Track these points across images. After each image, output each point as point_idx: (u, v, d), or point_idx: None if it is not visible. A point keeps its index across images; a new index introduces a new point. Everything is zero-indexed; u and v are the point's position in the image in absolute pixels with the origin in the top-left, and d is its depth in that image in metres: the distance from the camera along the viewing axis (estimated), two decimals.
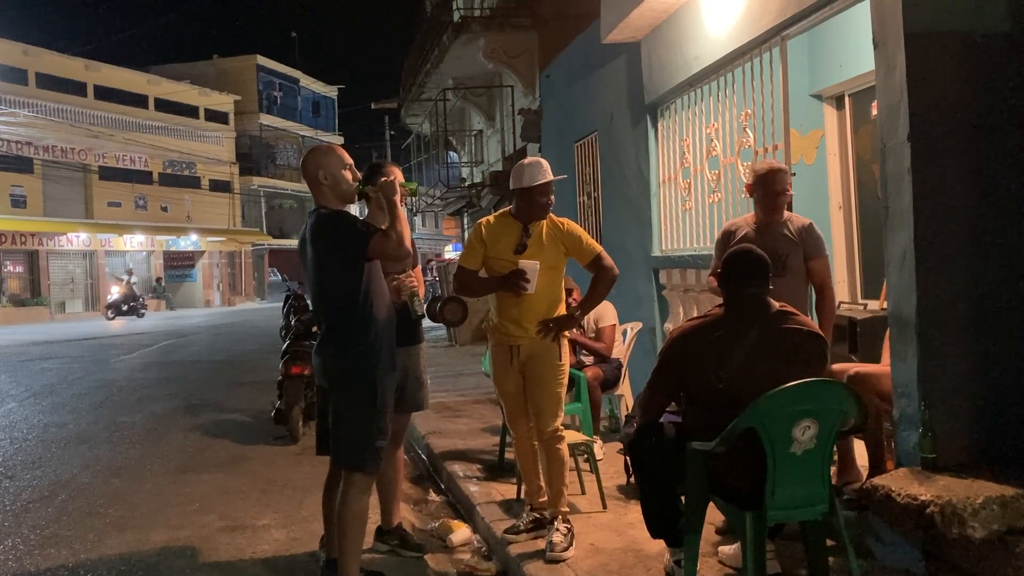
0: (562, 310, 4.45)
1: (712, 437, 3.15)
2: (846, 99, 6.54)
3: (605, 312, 6.39)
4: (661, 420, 3.52)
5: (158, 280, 38.78)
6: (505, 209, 4.55)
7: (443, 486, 6.02)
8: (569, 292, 5.95)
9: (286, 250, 44.21)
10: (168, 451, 7.54)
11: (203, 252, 40.66)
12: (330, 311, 3.69)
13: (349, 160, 3.81)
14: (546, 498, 4.44)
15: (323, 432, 3.87)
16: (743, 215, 4.86)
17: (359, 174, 3.88)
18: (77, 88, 34.47)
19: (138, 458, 7.29)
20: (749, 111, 5.69)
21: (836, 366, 4.07)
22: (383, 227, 3.62)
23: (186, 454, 7.39)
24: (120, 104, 36.03)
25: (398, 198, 3.71)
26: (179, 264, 40.35)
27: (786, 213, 4.50)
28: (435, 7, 19.62)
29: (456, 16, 15.48)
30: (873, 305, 5.55)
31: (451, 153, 24.26)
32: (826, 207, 6.67)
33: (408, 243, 3.67)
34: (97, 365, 15.12)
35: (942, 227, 3.41)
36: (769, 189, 4.37)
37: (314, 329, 5.65)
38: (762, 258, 3.38)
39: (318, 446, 3.95)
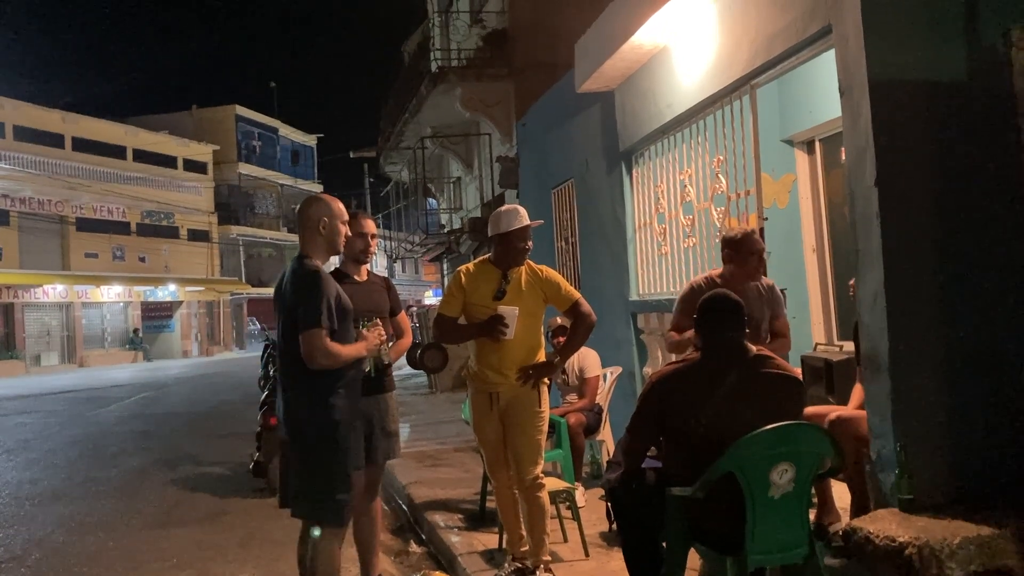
0: (541, 357, 4.47)
1: (693, 482, 3.15)
2: (816, 144, 6.67)
3: (590, 363, 6.41)
4: (643, 466, 3.52)
5: (135, 331, 38.47)
6: (484, 256, 4.60)
7: (424, 537, 5.95)
8: (563, 331, 5.96)
9: (265, 299, 43.90)
10: (144, 506, 7.42)
11: (181, 302, 40.41)
12: (295, 359, 3.62)
13: (347, 217, 3.90)
14: (528, 547, 4.41)
15: (286, 484, 3.84)
16: (704, 273, 4.88)
17: (350, 230, 3.95)
18: (54, 140, 34.45)
19: (114, 514, 7.17)
20: (721, 157, 5.79)
21: (815, 409, 4.09)
22: (344, 351, 3.63)
23: (163, 509, 7.28)
24: (98, 155, 36.04)
25: (363, 350, 3.80)
26: (157, 315, 40.03)
27: None
28: (412, 57, 19.87)
29: (433, 66, 15.66)
30: (849, 346, 5.59)
31: (430, 200, 24.39)
32: (800, 250, 6.76)
33: (334, 365, 3.62)
34: (72, 419, 14.90)
35: (912, 269, 3.48)
36: (752, 250, 4.42)
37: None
38: (738, 303, 3.42)
39: (280, 499, 3.90)
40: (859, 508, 3.86)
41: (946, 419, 3.43)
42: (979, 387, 3.45)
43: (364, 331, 3.89)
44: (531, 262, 4.50)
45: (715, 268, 4.74)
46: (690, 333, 4.01)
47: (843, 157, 6.17)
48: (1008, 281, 3.48)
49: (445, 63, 15.64)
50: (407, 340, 4.53)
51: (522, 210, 4.46)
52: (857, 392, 4.17)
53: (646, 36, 6.09)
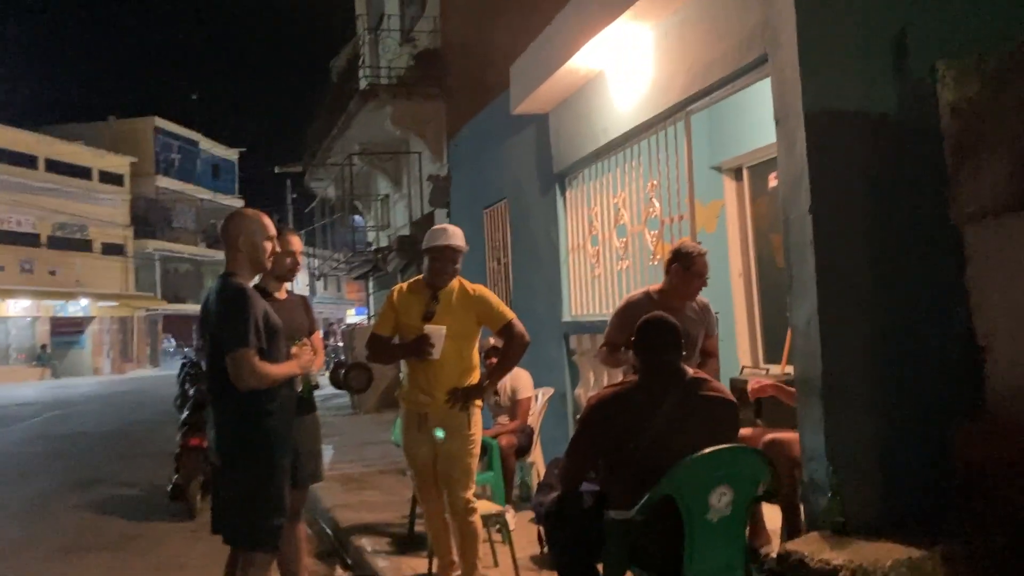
0: (475, 378, 4.41)
1: (632, 505, 3.14)
2: (744, 171, 6.80)
3: (523, 384, 6.36)
4: (580, 489, 3.50)
5: (43, 347, 36.91)
6: (419, 276, 4.55)
7: (350, 561, 5.80)
8: (496, 351, 5.83)
9: (182, 316, 42.78)
10: (52, 531, 7.07)
11: (93, 317, 38.93)
12: (225, 381, 3.48)
13: (273, 232, 3.75)
14: (459, 572, 4.33)
15: (217, 510, 3.69)
16: (642, 288, 4.92)
17: (279, 247, 3.83)
18: None
19: (18, 540, 6.81)
20: (655, 182, 5.84)
21: (748, 431, 4.13)
22: (274, 370, 3.53)
23: (72, 533, 6.95)
24: (6, 164, 34.52)
25: (295, 367, 3.73)
26: (67, 330, 38.43)
27: None
28: (341, 74, 19.69)
29: (363, 83, 15.53)
30: (775, 370, 5.69)
31: (356, 217, 24.10)
32: (727, 275, 6.86)
33: (263, 385, 3.50)
34: None
35: (845, 294, 3.54)
36: (700, 272, 4.45)
37: None
38: (676, 327, 3.44)
39: (213, 524, 3.75)
40: (791, 530, 3.90)
41: (878, 442, 3.49)
42: (910, 411, 3.53)
43: (295, 349, 3.79)
44: (464, 281, 4.46)
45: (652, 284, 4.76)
46: (627, 354, 4.02)
47: (771, 184, 6.31)
48: (939, 306, 3.57)
49: (375, 81, 15.53)
50: (319, 360, 4.43)
51: (451, 230, 4.43)
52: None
53: (582, 61, 6.13)
